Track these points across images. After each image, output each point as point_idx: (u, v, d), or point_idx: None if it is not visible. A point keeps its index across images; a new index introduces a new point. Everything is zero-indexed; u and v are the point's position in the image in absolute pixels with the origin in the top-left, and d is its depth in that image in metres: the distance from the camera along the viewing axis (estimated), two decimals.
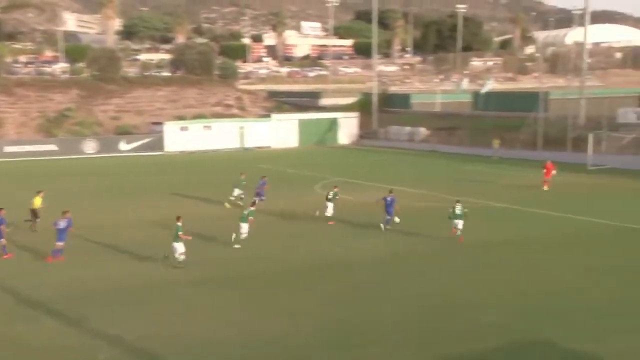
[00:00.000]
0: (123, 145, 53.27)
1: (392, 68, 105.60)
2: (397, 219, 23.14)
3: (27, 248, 20.65)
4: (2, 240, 19.52)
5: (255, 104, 68.34)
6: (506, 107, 57.15)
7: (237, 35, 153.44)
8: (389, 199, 23.17)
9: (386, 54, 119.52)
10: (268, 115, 62.01)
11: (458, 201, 22.74)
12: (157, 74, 71.13)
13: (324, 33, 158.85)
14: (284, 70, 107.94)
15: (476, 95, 61.84)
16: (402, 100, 72.17)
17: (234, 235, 20.76)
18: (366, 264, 19.04)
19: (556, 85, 62.95)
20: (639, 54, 55.10)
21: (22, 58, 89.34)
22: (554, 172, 33.08)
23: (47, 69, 75.12)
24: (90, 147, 52.33)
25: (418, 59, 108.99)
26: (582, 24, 52.38)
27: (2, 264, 18.99)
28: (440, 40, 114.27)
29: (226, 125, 57.75)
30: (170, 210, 24.47)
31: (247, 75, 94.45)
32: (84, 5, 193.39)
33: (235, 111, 64.66)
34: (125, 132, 55.78)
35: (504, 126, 53.45)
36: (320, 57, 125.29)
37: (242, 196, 27.30)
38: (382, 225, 23.07)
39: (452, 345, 13.10)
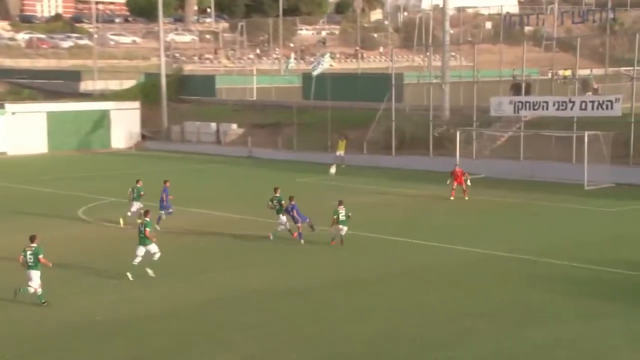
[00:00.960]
0: None
1: (187, 38, 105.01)
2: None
3: None
4: None
5: None
6: (348, 95, 59.22)
7: None
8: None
9: (178, 18, 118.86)
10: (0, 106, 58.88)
11: (341, 202, 26.76)
12: None
13: None
14: (21, 37, 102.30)
15: (307, 78, 63.33)
16: (204, 84, 72.19)
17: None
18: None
19: (412, 65, 66.60)
20: (513, 25, 59.94)
21: None
22: (465, 177, 36.47)
23: None
24: None
25: (224, 25, 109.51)
26: None
27: None
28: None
29: None
30: None
31: None
32: None
33: None
34: None
35: (347, 121, 55.37)
36: (78, 19, 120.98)
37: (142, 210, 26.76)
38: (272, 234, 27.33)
39: None
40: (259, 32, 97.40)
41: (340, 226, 26.54)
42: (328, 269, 24.13)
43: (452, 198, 36.51)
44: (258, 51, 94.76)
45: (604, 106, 42.11)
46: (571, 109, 43.46)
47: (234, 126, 62.53)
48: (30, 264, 20.17)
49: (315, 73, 56.85)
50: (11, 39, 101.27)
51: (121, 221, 30.13)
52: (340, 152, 51.50)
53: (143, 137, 64.92)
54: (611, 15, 49.54)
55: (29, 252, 20.24)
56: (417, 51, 73.73)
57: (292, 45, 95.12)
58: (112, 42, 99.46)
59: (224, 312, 19.62)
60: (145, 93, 68.68)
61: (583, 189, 39.21)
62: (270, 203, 28.01)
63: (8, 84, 70.96)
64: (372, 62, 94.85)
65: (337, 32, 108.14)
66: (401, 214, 33.72)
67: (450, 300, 20.39)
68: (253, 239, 28.12)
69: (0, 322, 19.13)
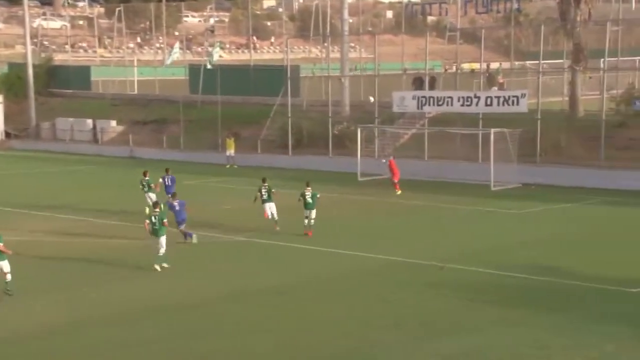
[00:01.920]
0: None
1: (57, 24, 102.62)
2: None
3: None
4: None
5: None
6: (239, 89, 59.34)
7: None
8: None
9: (47, 1, 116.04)
10: None
11: (308, 184, 29.60)
12: None
13: None
14: None
15: (194, 70, 63.07)
16: (78, 76, 71.00)
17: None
18: None
19: (309, 57, 67.22)
20: (415, 14, 61.32)
21: None
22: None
23: None
24: None
25: (99, 10, 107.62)
26: None
27: None
28: None
29: None
30: None
31: None
32: None
33: None
34: None
35: (239, 118, 55.53)
36: None
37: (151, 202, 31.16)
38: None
39: None
40: (139, 18, 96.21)
41: (308, 211, 29.37)
42: (225, 280, 24.26)
43: (399, 192, 39.13)
44: (139, 40, 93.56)
45: (510, 102, 43.49)
46: (476, 104, 44.74)
47: (113, 123, 61.74)
48: (156, 228, 24.54)
49: (209, 66, 56.64)
50: None
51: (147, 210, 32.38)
52: (230, 152, 51.63)
53: (7, 135, 63.46)
54: (516, 6, 51.19)
55: (153, 218, 24.79)
56: (314, 41, 74.60)
57: (177, 33, 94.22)
58: None
59: (107, 330, 19.47)
60: (9, 85, 67.10)
61: (489, 190, 40.53)
62: (258, 194, 30.26)
63: None
64: (266, 53, 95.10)
65: (226, 19, 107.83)
66: (296, 219, 34.02)
67: (353, 311, 20.82)
68: (138, 249, 27.92)
69: None
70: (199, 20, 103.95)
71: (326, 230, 31.60)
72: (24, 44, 66.84)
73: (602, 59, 47.18)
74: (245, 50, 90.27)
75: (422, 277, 24.28)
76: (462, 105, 45.25)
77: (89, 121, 62.01)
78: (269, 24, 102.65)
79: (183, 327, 19.61)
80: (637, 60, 58.31)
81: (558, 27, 53.60)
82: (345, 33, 56.36)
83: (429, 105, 46.72)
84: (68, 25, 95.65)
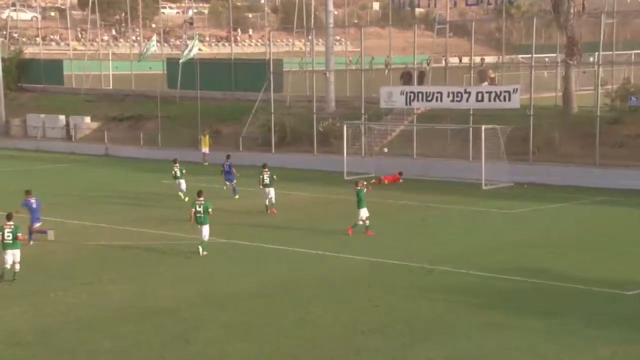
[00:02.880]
0: None
1: (27, 15, 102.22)
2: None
3: None
4: None
5: None
6: (220, 84, 59.34)
7: None
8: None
9: None
10: None
11: (265, 166, 34.86)
12: None
13: None
14: None
15: (172, 64, 63.04)
16: (50, 70, 70.91)
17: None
18: None
19: (293, 51, 67.28)
20: (402, 6, 61.45)
21: None
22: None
23: None
24: None
25: (72, 0, 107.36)
26: None
27: None
28: None
29: None
30: None
31: None
32: None
33: None
34: None
35: (220, 114, 55.53)
36: None
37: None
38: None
39: None
40: (114, 9, 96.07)
41: (267, 190, 34.15)
42: (197, 283, 24.26)
43: (386, 182, 42.40)
44: (114, 32, 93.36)
45: (502, 97, 43.66)
46: (467, 100, 44.85)
47: (87, 119, 61.65)
48: (199, 216, 27.07)
49: (183, 60, 56.63)
50: None
51: (184, 197, 37.66)
52: (205, 149, 51.66)
53: None
54: None
55: (197, 206, 27.09)
56: (298, 34, 74.51)
57: (154, 25, 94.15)
58: None
59: (74, 337, 19.41)
60: None
61: (481, 189, 40.76)
62: (260, 177, 34.63)
63: None
64: (247, 46, 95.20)
65: (206, 11, 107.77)
66: (281, 219, 34.15)
67: (337, 316, 20.87)
68: (110, 250, 27.97)
69: None
70: (177, 12, 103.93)
71: (311, 231, 31.71)
72: None
73: (596, 53, 47.43)
74: (226, 44, 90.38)
75: (409, 280, 24.38)
76: (452, 100, 45.35)
77: (62, 118, 61.85)
78: (250, 16, 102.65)
79: (160, 334, 19.63)
80: (633, 54, 58.76)
81: (551, 20, 53.83)
82: (330, 26, 56.46)
83: (418, 100, 46.78)
84: (39, 16, 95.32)
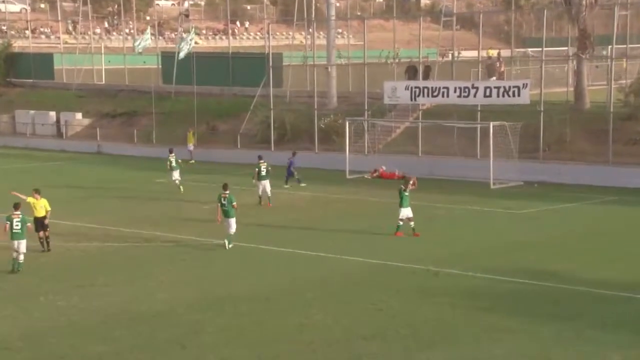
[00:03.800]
0: None
1: (16, 7, 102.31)
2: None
3: None
4: None
5: None
6: (217, 79, 59.38)
7: None
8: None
9: None
10: None
11: (260, 157, 36.82)
12: None
13: None
14: None
15: (167, 58, 63.11)
16: (39, 64, 70.97)
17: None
18: None
19: (293, 44, 67.29)
20: None
21: None
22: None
23: None
24: None
25: None
26: None
27: None
28: None
29: None
30: None
31: None
32: None
33: None
34: None
35: (217, 110, 55.55)
36: None
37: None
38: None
39: None
40: (106, 1, 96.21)
41: (263, 182, 35.73)
42: (194, 285, 24.36)
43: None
44: (106, 25, 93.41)
45: (511, 93, 43.64)
46: (474, 95, 44.82)
47: (79, 116, 61.74)
48: (225, 209, 28.22)
49: (182, 55, 56.67)
50: None
51: (181, 189, 39.64)
52: (190, 146, 51.78)
53: None
54: None
55: (223, 200, 28.25)
56: (298, 27, 74.48)
57: (148, 18, 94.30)
58: None
59: (65, 342, 19.46)
60: None
61: (489, 188, 40.81)
62: (256, 170, 36.20)
63: None
64: (246, 39, 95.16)
65: (202, 3, 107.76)
66: (280, 219, 34.21)
67: (338, 320, 20.91)
68: (103, 252, 28.07)
69: None
70: (172, 4, 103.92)
71: (311, 232, 31.75)
72: None
73: (609, 46, 47.44)
74: (223, 37, 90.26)
75: (413, 282, 24.45)
76: (459, 96, 45.31)
77: (52, 114, 61.94)
78: (248, 8, 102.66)
79: (155, 339, 19.71)
80: None
81: (562, 12, 53.87)
82: (332, 18, 56.50)
83: (423, 96, 46.77)
84: (28, 8, 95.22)
